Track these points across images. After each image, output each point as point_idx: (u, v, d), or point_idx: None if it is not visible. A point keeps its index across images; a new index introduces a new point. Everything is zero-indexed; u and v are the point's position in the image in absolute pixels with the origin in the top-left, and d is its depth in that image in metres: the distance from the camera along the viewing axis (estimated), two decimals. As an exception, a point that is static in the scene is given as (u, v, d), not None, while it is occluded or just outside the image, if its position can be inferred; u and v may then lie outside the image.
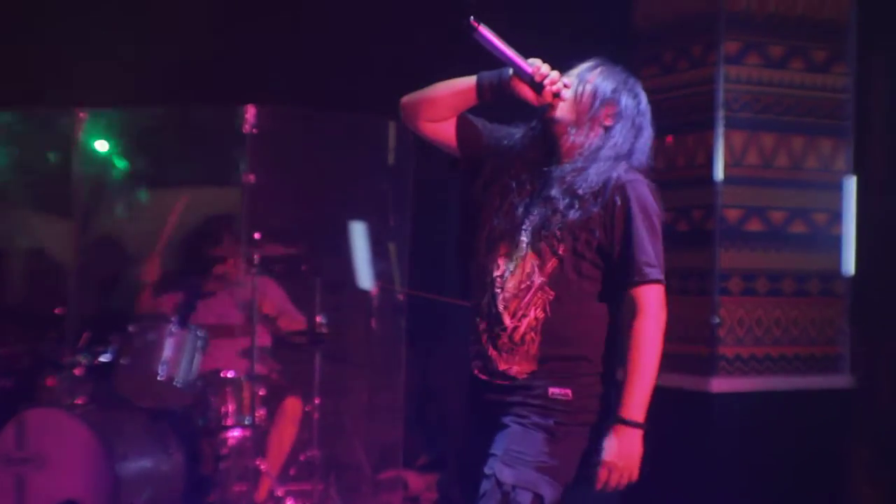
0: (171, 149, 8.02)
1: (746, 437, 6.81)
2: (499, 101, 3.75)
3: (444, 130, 3.99)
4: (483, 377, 3.80)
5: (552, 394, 3.69)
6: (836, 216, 7.17)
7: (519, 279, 3.74)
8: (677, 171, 7.08)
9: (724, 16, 6.88)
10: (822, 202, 7.13)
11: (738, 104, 6.88)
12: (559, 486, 3.73)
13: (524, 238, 3.77)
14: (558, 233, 3.72)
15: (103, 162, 7.99)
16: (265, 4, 7.75)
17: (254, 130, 7.04)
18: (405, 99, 4.01)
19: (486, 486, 3.70)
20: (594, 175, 3.75)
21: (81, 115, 7.46)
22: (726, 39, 6.87)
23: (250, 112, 7.05)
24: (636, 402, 3.71)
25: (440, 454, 8.31)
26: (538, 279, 3.71)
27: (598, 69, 3.93)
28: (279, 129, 7.27)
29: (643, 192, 3.78)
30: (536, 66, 3.77)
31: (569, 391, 3.69)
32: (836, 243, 7.17)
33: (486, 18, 7.36)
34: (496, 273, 3.80)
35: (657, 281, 3.72)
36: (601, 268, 3.73)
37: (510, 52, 3.75)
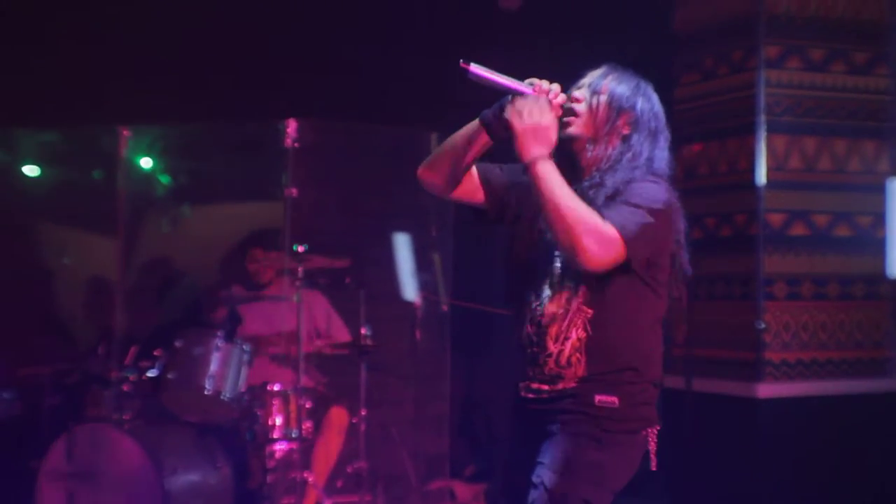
0: (213, 164, 8.07)
1: (794, 443, 6.78)
2: (510, 132, 3.70)
3: (466, 187, 3.96)
4: (531, 395, 3.79)
5: (599, 401, 3.67)
6: (880, 218, 7.14)
7: (557, 304, 3.73)
8: (720, 176, 7.07)
9: (764, 20, 6.87)
10: (865, 205, 7.10)
11: (780, 108, 6.86)
12: (608, 494, 3.71)
13: (557, 263, 3.76)
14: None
15: (147, 179, 8.05)
16: (304, 20, 7.78)
17: (296, 144, 7.06)
18: (421, 170, 3.97)
19: (534, 494, 3.69)
20: (611, 186, 3.71)
21: (125, 132, 7.51)
22: (766, 43, 6.86)
23: (292, 126, 7.08)
24: (549, 175, 3.57)
25: (487, 464, 8.31)
26: (575, 300, 3.71)
27: (610, 76, 3.87)
28: (321, 143, 7.29)
29: (644, 185, 3.70)
30: (536, 85, 3.74)
31: (615, 399, 3.67)
32: (880, 246, 7.14)
33: (525, 31, 7.37)
34: (535, 303, 3.80)
35: (624, 238, 3.54)
36: (631, 276, 3.71)
37: (506, 80, 3.72)
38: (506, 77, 3.73)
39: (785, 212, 6.88)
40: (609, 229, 3.54)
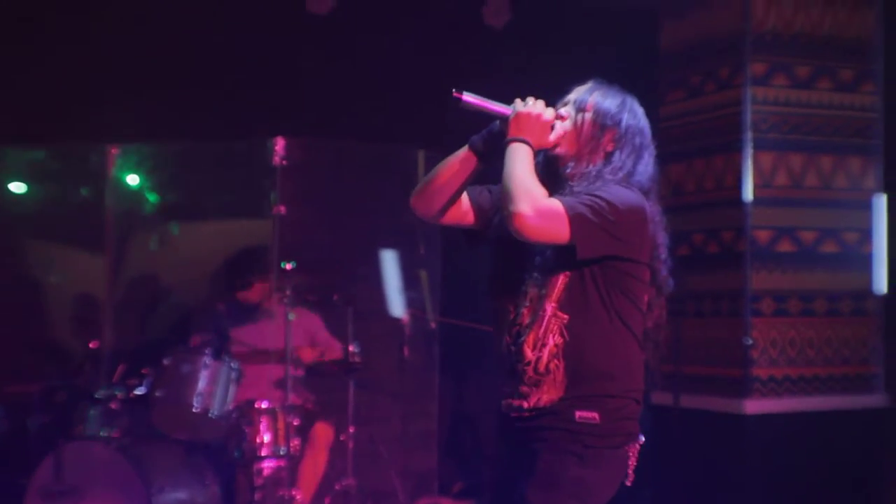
0: (201, 182, 8.07)
1: (781, 458, 6.79)
2: (499, 155, 3.75)
3: (457, 211, 4.00)
4: (513, 415, 3.80)
5: (579, 417, 3.67)
6: (867, 235, 7.17)
7: (531, 311, 3.75)
8: (706, 193, 7.09)
9: (750, 37, 6.90)
10: (851, 221, 7.13)
11: (766, 125, 6.89)
12: None
13: (535, 273, 3.78)
14: (553, 257, 3.73)
15: (135, 196, 8.05)
16: (292, 38, 7.80)
17: (284, 162, 7.07)
18: (413, 198, 4.02)
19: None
20: (581, 189, 3.74)
21: (113, 150, 7.52)
22: (753, 61, 6.89)
23: (280, 144, 7.09)
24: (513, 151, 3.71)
25: (475, 481, 8.31)
26: (549, 306, 3.72)
27: (595, 93, 3.89)
28: (309, 161, 7.30)
29: (614, 187, 3.72)
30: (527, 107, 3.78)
31: (595, 414, 3.68)
32: (866, 262, 7.17)
33: (511, 48, 7.40)
34: (512, 312, 3.81)
35: (568, 212, 3.57)
36: (604, 281, 3.73)
37: (495, 106, 3.80)
38: (497, 103, 3.78)
39: (772, 228, 6.90)
40: (553, 203, 3.60)
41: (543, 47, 7.70)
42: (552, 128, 3.82)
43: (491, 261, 3.98)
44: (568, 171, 3.84)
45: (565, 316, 3.69)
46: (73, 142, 7.71)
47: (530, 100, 3.80)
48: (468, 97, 3.76)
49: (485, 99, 3.79)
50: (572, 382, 3.68)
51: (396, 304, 8.08)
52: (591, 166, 3.82)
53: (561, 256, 3.70)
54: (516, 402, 3.76)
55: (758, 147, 6.86)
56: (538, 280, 3.75)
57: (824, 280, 7.03)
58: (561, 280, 3.70)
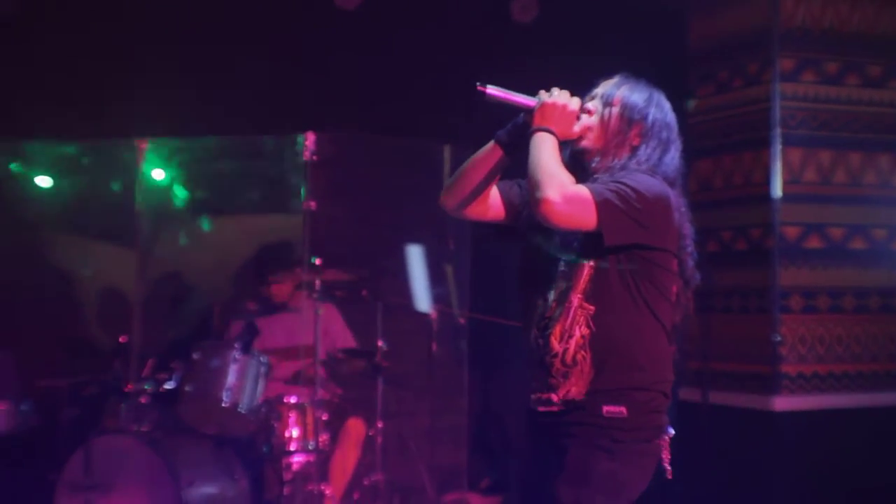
0: (232, 177, 8.10)
1: (810, 455, 6.78)
2: (525, 147, 3.77)
3: (488, 206, 4.03)
4: (542, 409, 3.81)
5: (607, 412, 3.68)
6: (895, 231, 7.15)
7: (558, 303, 3.76)
8: (735, 189, 7.08)
9: (779, 33, 6.89)
10: (881, 218, 7.11)
11: (795, 121, 6.88)
12: (624, 503, 3.74)
13: (562, 267, 3.79)
14: (579, 248, 3.74)
15: (165, 191, 8.08)
16: (323, 32, 7.81)
17: (314, 157, 7.07)
18: (443, 196, 4.05)
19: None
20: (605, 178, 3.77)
21: (143, 145, 7.54)
22: (782, 57, 6.88)
23: (310, 139, 7.08)
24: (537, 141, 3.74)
25: (503, 476, 8.32)
26: (575, 298, 3.72)
27: (622, 87, 3.92)
28: (339, 156, 7.30)
29: (639, 175, 3.74)
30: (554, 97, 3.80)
31: (623, 408, 3.68)
32: (895, 258, 7.14)
33: (539, 44, 7.39)
34: (540, 305, 3.82)
35: (595, 199, 3.59)
36: (631, 270, 3.73)
37: (519, 98, 3.82)
38: (521, 95, 3.80)
39: (800, 225, 6.89)
40: (580, 189, 3.62)
41: (571, 43, 7.69)
42: (577, 118, 3.84)
43: (520, 255, 3.99)
44: (594, 164, 3.86)
45: (591, 307, 3.69)
46: (103, 137, 7.73)
47: (555, 90, 3.83)
48: (492, 90, 3.78)
49: (509, 91, 3.81)
50: (599, 374, 3.68)
51: (424, 300, 8.09)
52: (616, 160, 3.83)
53: (586, 247, 3.71)
54: (545, 396, 3.76)
55: (786, 143, 6.86)
56: (565, 272, 3.76)
57: (853, 277, 7.02)
58: (586, 271, 3.70)
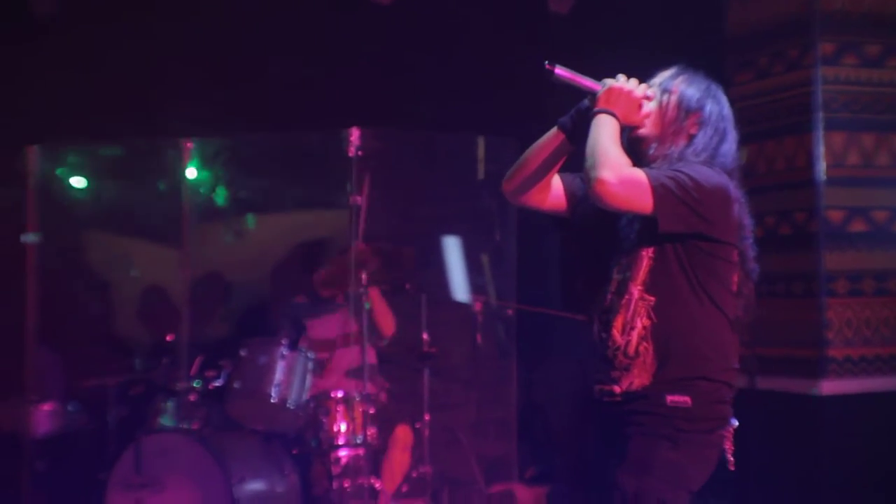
0: (277, 174, 8.14)
1: (857, 439, 6.75)
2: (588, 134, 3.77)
3: (550, 196, 4.03)
4: (606, 399, 3.81)
5: (671, 401, 3.67)
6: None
7: (619, 295, 3.76)
8: (778, 174, 7.06)
9: (819, 17, 6.86)
10: (925, 199, 7.07)
11: (837, 105, 6.85)
12: (684, 494, 3.72)
13: (621, 258, 3.79)
14: (637, 239, 3.75)
15: (211, 189, 8.12)
16: (364, 29, 7.83)
17: (359, 153, 7.08)
18: (505, 182, 4.05)
19: (611, 496, 3.72)
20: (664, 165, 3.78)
21: (188, 144, 7.57)
22: (822, 41, 6.85)
23: (355, 135, 7.09)
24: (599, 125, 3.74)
25: (548, 467, 8.32)
26: (635, 289, 3.73)
27: (681, 77, 3.94)
28: (384, 151, 7.31)
29: (698, 166, 3.75)
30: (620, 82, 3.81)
31: (688, 399, 3.67)
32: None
33: (577, 34, 7.39)
34: (601, 298, 3.83)
35: (652, 183, 3.61)
36: (689, 262, 3.73)
37: (586, 80, 3.84)
38: (588, 77, 3.82)
39: (844, 208, 6.86)
40: (637, 173, 3.63)
41: (609, 33, 7.69)
42: (641, 106, 3.84)
43: (578, 248, 4.00)
44: (651, 152, 3.88)
45: (652, 298, 3.70)
46: (149, 137, 7.77)
47: (622, 76, 3.84)
48: (560, 70, 3.81)
49: (576, 73, 3.82)
50: (662, 365, 3.69)
51: (466, 291, 8.10)
52: (673, 147, 3.85)
53: (644, 238, 3.71)
54: (608, 387, 3.77)
55: (829, 127, 6.83)
56: (623, 264, 3.77)
57: (898, 259, 6.99)
58: (645, 262, 3.71)
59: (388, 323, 7.42)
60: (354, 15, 7.82)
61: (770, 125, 7.09)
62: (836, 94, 6.85)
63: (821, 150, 6.80)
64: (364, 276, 7.00)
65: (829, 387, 6.73)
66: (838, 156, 6.85)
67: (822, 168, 6.80)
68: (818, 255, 6.80)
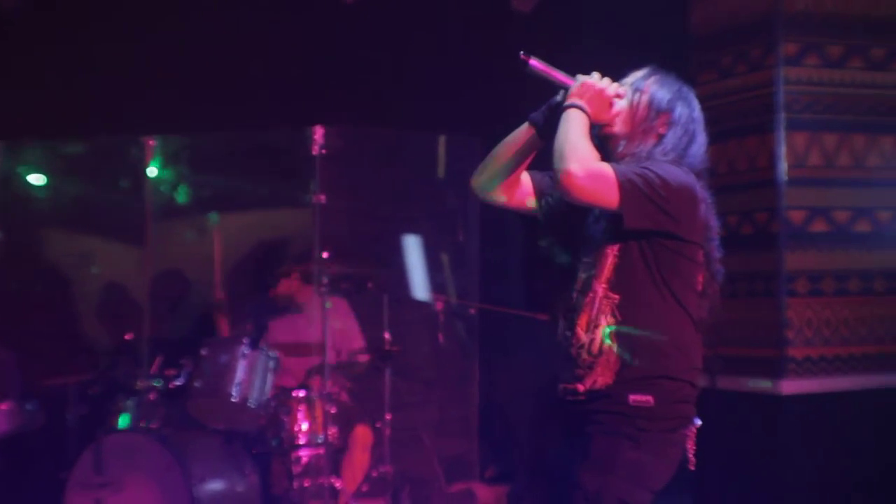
0: (240, 172, 8.11)
1: (818, 439, 6.78)
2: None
3: (518, 193, 4.02)
4: (569, 398, 3.80)
5: (633, 401, 3.67)
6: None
7: (583, 293, 3.76)
8: (740, 174, 7.07)
9: (781, 18, 6.88)
10: (885, 200, 7.10)
11: (799, 105, 6.87)
12: (646, 493, 3.72)
13: (587, 258, 3.79)
14: (602, 237, 3.74)
15: (173, 187, 8.08)
16: (329, 26, 7.82)
17: (323, 151, 7.05)
18: (474, 177, 4.04)
19: (572, 495, 3.72)
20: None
21: (150, 142, 7.54)
22: (785, 41, 6.87)
23: (318, 133, 7.07)
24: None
25: (509, 466, 8.32)
26: (599, 287, 3.73)
27: (653, 77, 3.95)
28: (347, 149, 7.29)
29: (666, 164, 3.75)
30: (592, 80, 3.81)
31: (650, 398, 3.67)
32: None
33: (540, 33, 7.39)
34: (566, 297, 3.82)
35: (619, 180, 3.61)
36: (655, 260, 3.72)
37: (561, 75, 3.85)
38: (562, 72, 3.82)
39: (805, 208, 6.88)
40: (605, 167, 3.63)
41: (572, 32, 7.69)
42: (612, 104, 3.84)
43: (544, 247, 3.99)
44: (620, 150, 3.88)
45: (616, 296, 3.70)
46: (111, 134, 7.73)
47: (595, 74, 3.84)
48: (535, 61, 3.81)
49: (550, 66, 3.82)
50: (626, 363, 3.68)
51: (428, 291, 8.09)
52: (642, 146, 3.85)
53: (610, 236, 3.71)
54: (571, 386, 3.76)
55: (791, 127, 6.85)
56: (588, 262, 3.76)
57: (858, 259, 7.01)
58: (610, 260, 3.71)
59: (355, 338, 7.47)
60: (319, 13, 7.80)
61: (733, 125, 7.11)
62: (799, 94, 6.87)
63: (783, 150, 6.82)
64: (325, 276, 6.97)
65: (790, 386, 6.75)
66: (800, 156, 6.87)
67: (783, 168, 6.82)
68: (779, 254, 6.82)
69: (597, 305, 3.71)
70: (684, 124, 3.89)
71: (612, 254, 3.72)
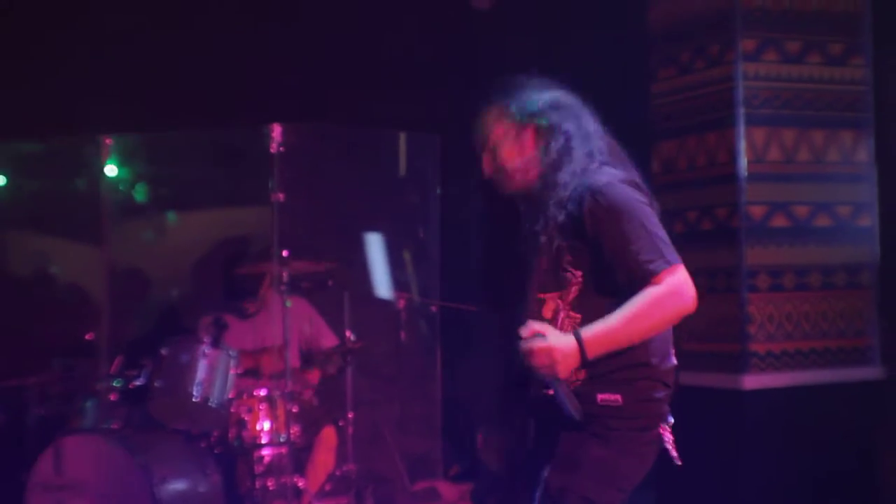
0: (198, 171, 8.07)
1: (779, 433, 6.81)
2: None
3: None
4: (539, 396, 3.78)
5: (601, 400, 3.67)
6: (860, 208, 7.17)
7: (547, 309, 3.75)
8: (699, 170, 7.09)
9: (739, 13, 6.89)
10: (845, 195, 7.13)
11: (758, 101, 6.89)
12: (614, 492, 3.72)
13: (546, 283, 3.77)
14: (568, 267, 3.72)
15: (131, 187, 8.04)
16: (286, 24, 7.80)
17: (281, 149, 7.03)
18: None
19: (538, 491, 3.72)
20: (559, 196, 3.72)
21: (107, 141, 7.50)
22: (743, 37, 6.88)
23: (276, 131, 7.04)
24: (598, 337, 3.58)
25: (472, 464, 8.32)
26: (561, 310, 3.72)
27: (493, 119, 3.88)
28: (306, 147, 7.27)
29: (610, 195, 3.66)
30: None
31: (618, 397, 3.67)
32: (860, 235, 7.17)
33: (498, 30, 7.38)
34: (532, 309, 3.80)
35: (667, 267, 3.59)
36: (611, 279, 3.67)
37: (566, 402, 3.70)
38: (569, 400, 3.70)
39: (765, 204, 6.90)
40: (664, 275, 3.58)
41: (531, 29, 7.69)
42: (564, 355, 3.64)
43: (515, 253, 3.95)
44: (537, 189, 3.81)
45: (577, 316, 3.69)
46: (67, 133, 7.69)
47: (525, 342, 3.65)
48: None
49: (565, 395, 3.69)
50: (594, 363, 3.63)
51: (390, 288, 8.09)
52: (542, 172, 3.80)
53: (575, 266, 3.71)
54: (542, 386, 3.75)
55: (750, 123, 6.86)
56: (547, 284, 3.75)
57: (818, 254, 7.04)
58: (574, 289, 3.69)
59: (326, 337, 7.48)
60: (278, 11, 7.78)
61: (692, 121, 7.12)
62: (758, 90, 6.89)
63: (742, 145, 6.84)
64: (285, 275, 6.95)
65: (751, 381, 6.77)
66: (759, 151, 6.89)
67: (743, 164, 6.84)
68: (739, 250, 6.84)
69: (559, 325, 3.70)
70: (553, 128, 3.80)
71: (576, 283, 3.69)
